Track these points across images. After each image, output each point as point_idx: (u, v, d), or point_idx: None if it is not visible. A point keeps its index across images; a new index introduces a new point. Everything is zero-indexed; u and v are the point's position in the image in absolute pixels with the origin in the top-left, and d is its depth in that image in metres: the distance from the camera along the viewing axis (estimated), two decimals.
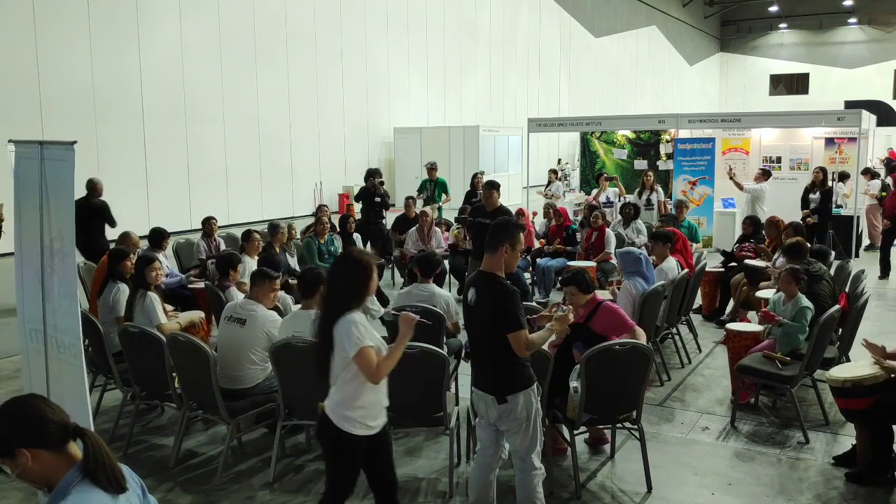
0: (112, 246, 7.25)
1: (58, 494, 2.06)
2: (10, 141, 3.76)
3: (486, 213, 7.55)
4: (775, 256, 7.99)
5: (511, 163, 24.72)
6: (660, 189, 12.72)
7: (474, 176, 13.24)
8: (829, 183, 11.86)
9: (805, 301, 5.73)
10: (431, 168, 13.51)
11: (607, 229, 9.59)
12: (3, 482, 4.76)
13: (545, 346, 4.39)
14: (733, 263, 8.79)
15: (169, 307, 6.26)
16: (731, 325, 6.39)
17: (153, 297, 5.58)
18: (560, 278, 6.45)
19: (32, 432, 2.08)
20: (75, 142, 3.30)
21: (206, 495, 4.61)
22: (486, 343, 3.79)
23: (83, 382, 3.41)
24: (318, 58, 20.51)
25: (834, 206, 12.09)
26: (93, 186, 9.97)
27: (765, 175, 12.38)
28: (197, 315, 6.37)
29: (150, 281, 5.71)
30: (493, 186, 7.81)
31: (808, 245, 7.00)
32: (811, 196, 11.68)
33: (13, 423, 2.10)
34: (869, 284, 7.39)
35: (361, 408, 3.39)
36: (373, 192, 11.53)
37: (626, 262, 6.45)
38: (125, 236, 7.43)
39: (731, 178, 12.21)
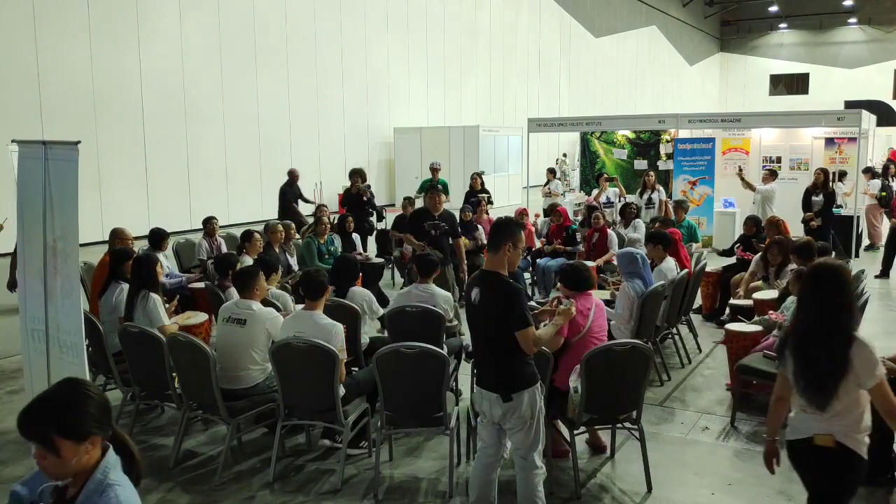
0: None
1: (101, 483, 1.94)
2: (13, 141, 3.76)
3: (434, 218, 7.65)
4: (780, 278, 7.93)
5: (511, 163, 24.72)
6: (661, 189, 12.71)
7: (472, 177, 13.24)
8: (831, 185, 11.82)
9: None
10: (435, 168, 13.54)
11: (609, 230, 9.58)
12: (3, 482, 4.77)
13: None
14: (733, 261, 8.79)
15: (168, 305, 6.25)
16: (731, 326, 6.37)
17: (156, 298, 5.58)
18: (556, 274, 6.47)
19: (106, 419, 1.97)
20: (79, 142, 3.30)
21: (205, 495, 4.61)
22: (490, 342, 3.80)
23: None
24: (318, 58, 20.51)
25: (834, 206, 12.07)
26: (291, 173, 12.92)
27: (773, 175, 12.37)
28: (200, 317, 6.36)
29: (159, 281, 5.73)
30: (439, 190, 7.91)
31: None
32: (814, 198, 11.59)
33: (97, 406, 1.96)
34: (869, 284, 7.40)
35: (867, 431, 3.16)
36: (357, 193, 11.16)
37: (624, 263, 6.44)
38: (117, 233, 7.31)
39: (741, 178, 12.14)
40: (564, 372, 4.70)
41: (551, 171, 16.41)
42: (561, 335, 4.32)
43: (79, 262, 3.47)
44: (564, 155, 26.78)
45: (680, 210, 10.36)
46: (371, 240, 11.20)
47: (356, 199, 11.28)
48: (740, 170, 12.53)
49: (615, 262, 8.80)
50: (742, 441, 5.32)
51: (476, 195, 12.40)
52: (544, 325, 4.21)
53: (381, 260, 10.26)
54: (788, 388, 3.24)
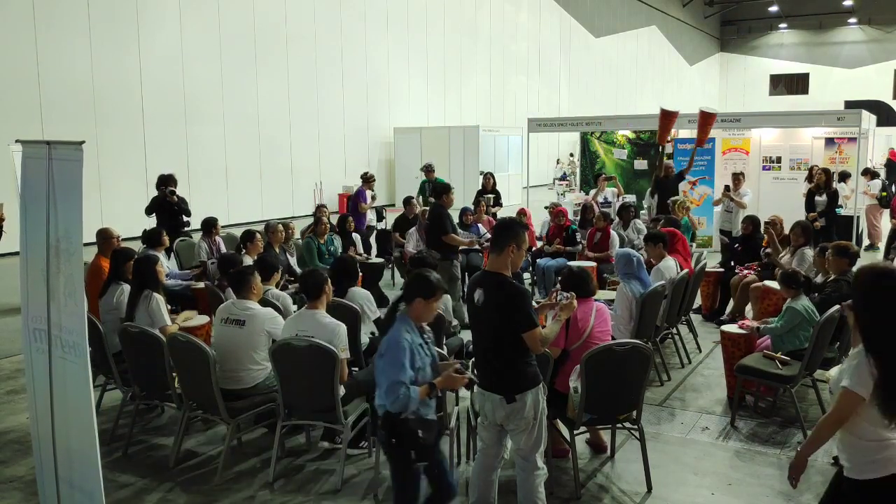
0: None
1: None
2: (17, 141, 3.77)
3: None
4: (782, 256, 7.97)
5: (511, 163, 24.74)
6: None
7: (486, 176, 13.24)
8: (834, 184, 11.75)
9: (797, 303, 5.73)
10: (428, 170, 13.60)
11: (612, 230, 9.56)
12: (3, 481, 4.78)
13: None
14: (732, 263, 8.79)
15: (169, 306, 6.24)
16: (725, 328, 6.34)
17: (159, 298, 5.57)
18: (559, 278, 6.45)
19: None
20: (83, 142, 3.30)
21: (205, 495, 4.61)
22: (493, 343, 3.79)
23: (87, 383, 3.40)
24: (318, 58, 20.52)
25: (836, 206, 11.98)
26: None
27: (743, 178, 12.21)
28: (200, 319, 6.34)
29: (161, 281, 5.72)
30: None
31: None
32: (817, 199, 11.48)
33: None
34: None
35: None
36: (167, 201, 9.79)
37: (620, 264, 6.43)
38: (104, 233, 7.06)
39: (731, 199, 11.87)
40: (565, 377, 4.71)
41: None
42: (560, 342, 4.30)
43: (82, 262, 3.46)
44: (571, 154, 26.77)
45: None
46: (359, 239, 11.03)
47: (165, 207, 9.91)
48: (727, 189, 12.16)
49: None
50: (742, 441, 5.32)
51: (487, 194, 12.46)
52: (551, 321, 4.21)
53: (380, 260, 10.26)
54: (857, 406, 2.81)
